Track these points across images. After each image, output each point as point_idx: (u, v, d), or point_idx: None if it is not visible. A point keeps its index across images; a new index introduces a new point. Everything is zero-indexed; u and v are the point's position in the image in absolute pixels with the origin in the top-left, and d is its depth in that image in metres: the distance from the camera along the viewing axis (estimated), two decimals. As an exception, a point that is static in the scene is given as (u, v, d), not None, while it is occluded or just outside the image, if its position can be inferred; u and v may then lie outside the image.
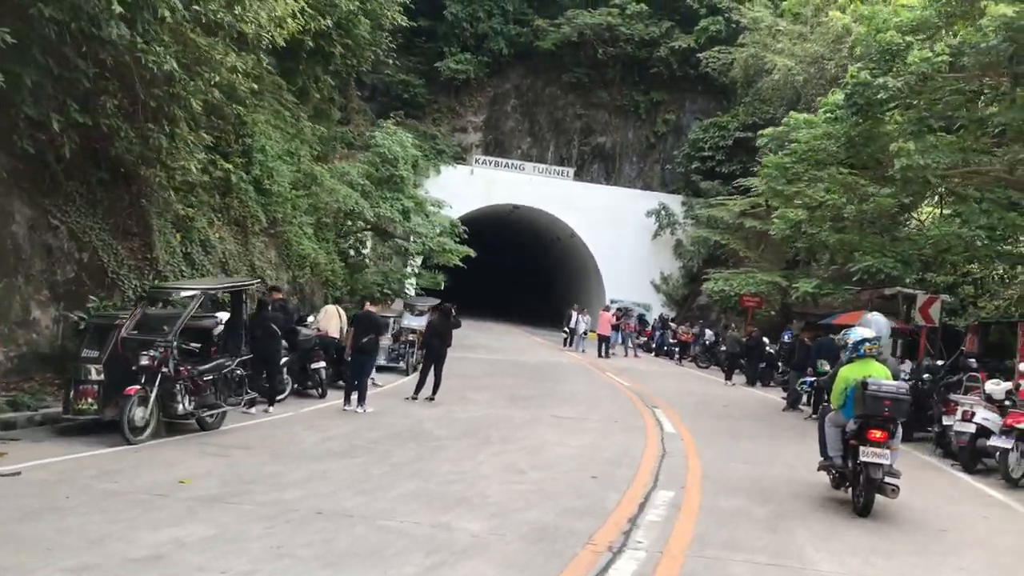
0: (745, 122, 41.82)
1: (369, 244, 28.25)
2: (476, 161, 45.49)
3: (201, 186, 18.26)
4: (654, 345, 34.80)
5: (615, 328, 31.61)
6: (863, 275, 22.10)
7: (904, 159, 14.04)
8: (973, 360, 15.62)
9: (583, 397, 18.55)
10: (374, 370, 17.97)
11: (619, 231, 44.21)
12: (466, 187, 44.09)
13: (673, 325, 34.88)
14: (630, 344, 32.22)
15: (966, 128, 15.28)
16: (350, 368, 14.65)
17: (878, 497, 8.79)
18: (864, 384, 8.60)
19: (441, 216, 28.81)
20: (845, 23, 29.87)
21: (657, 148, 48.51)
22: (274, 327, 13.52)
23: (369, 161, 27.03)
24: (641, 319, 39.52)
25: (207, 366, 11.47)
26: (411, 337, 20.72)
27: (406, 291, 32.42)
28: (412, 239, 27.11)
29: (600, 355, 30.35)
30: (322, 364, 16.28)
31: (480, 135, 48.60)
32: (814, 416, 17.07)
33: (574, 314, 32.45)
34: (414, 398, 15.94)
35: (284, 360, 14.76)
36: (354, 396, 14.29)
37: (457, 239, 30.77)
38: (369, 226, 26.86)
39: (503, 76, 49.35)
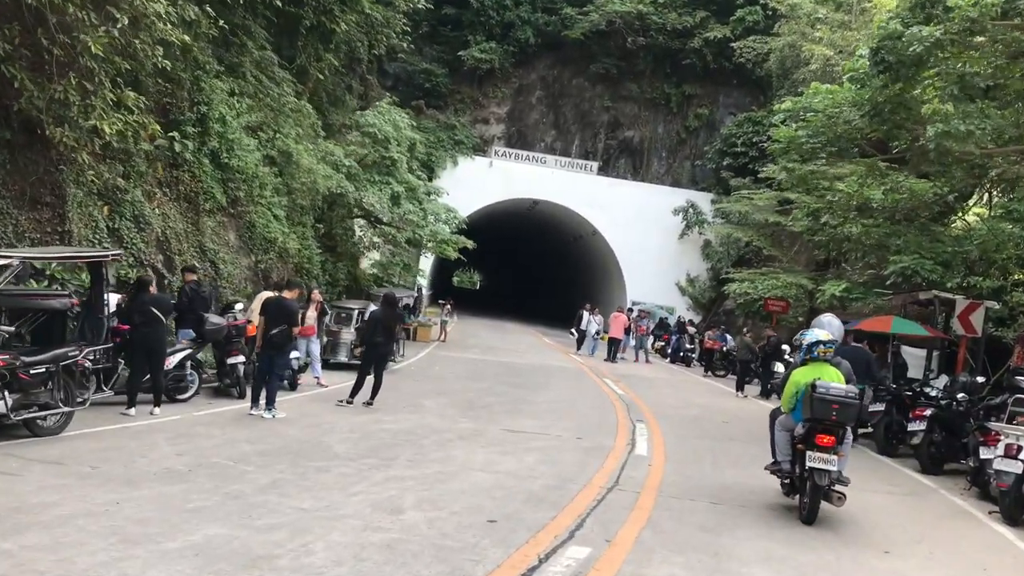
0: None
1: (359, 231, 25.76)
2: (495, 153, 42.89)
3: (141, 155, 16.00)
4: (670, 350, 31.81)
5: (627, 331, 28.76)
6: (897, 278, 19.12)
7: (941, 125, 11.15)
8: (1022, 378, 12.59)
9: (558, 406, 15.84)
10: (320, 367, 15.58)
11: (644, 229, 41.34)
12: (484, 180, 41.60)
13: (691, 329, 31.87)
14: (643, 348, 29.28)
15: (1021, 95, 12.17)
16: (259, 365, 12.13)
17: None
18: (812, 387, 8.23)
19: (436, 204, 26.23)
20: (891, 8, 26.71)
21: (688, 144, 45.47)
22: (156, 312, 11.02)
23: (357, 142, 24.57)
24: (663, 323, 36.52)
25: (37, 357, 9.00)
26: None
27: (411, 285, 29.98)
28: (400, 228, 24.55)
29: (608, 359, 27.55)
30: (240, 359, 13.85)
31: (503, 127, 46.00)
32: None
33: (585, 314, 29.64)
34: (348, 402, 13.41)
35: (185, 353, 12.29)
36: (263, 398, 11.75)
37: (455, 229, 28.19)
38: (358, 212, 24.40)
39: (529, 66, 46.70)
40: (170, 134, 16.59)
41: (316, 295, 15.87)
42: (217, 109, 18.34)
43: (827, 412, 8.19)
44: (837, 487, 8.36)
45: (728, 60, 42.52)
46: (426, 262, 40.87)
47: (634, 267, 41.35)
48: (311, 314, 15.62)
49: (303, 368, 15.19)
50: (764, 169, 30.86)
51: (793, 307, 28.31)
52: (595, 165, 43.75)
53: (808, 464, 8.23)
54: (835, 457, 8.21)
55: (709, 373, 27.25)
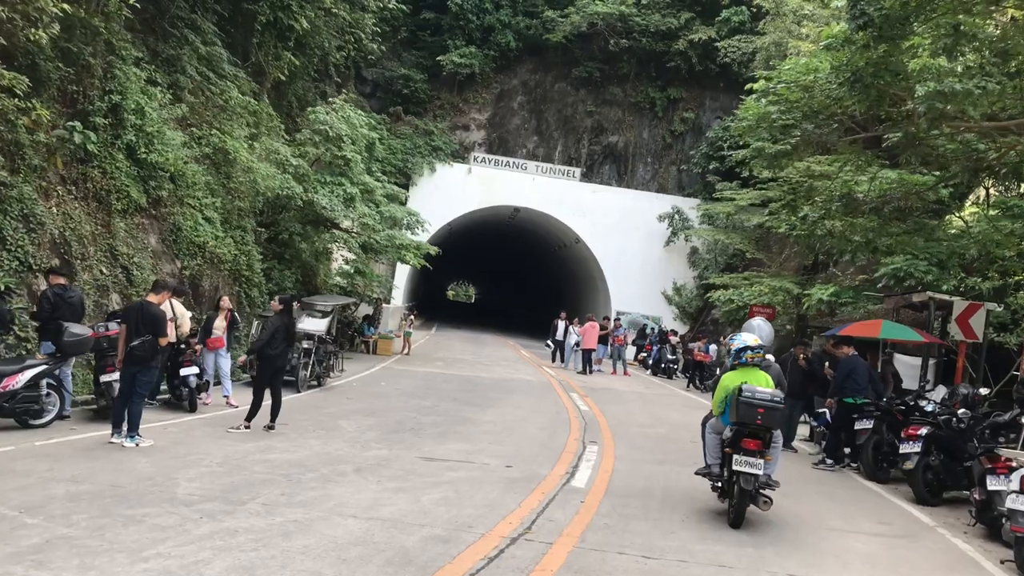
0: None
1: (315, 239, 23.70)
2: (475, 159, 40.86)
3: (36, 147, 14.03)
4: (651, 361, 29.64)
5: (602, 341, 26.61)
6: (889, 280, 17.08)
7: (932, 84, 9.09)
8: (1032, 390, 10.49)
9: (502, 427, 13.70)
10: (230, 385, 13.49)
11: (629, 237, 39.34)
12: (463, 187, 39.66)
13: (674, 339, 29.69)
14: (620, 360, 27.11)
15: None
16: (120, 384, 10.01)
17: None
18: (739, 390, 8.17)
19: (396, 208, 24.13)
20: None
21: (674, 149, 43.41)
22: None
23: (309, 141, 22.53)
24: (643, 332, 34.42)
25: None
26: (305, 345, 16.03)
27: (375, 295, 27.89)
28: (354, 232, 22.43)
29: (582, 371, 25.40)
30: (194, 371, 11.95)
31: (484, 133, 43.99)
32: (827, 462, 12.24)
33: (560, 324, 27.49)
34: (245, 427, 11.26)
35: (38, 370, 10.18)
36: (127, 423, 9.65)
37: (418, 236, 26.13)
38: (309, 215, 22.33)
39: (510, 71, 44.77)
40: (68, 124, 14.53)
41: (225, 302, 13.78)
42: (133, 99, 16.31)
43: (752, 416, 8.06)
44: (765, 491, 8.25)
45: (713, 62, 40.60)
46: (402, 272, 38.89)
47: (619, 276, 39.29)
48: (220, 324, 13.54)
49: (204, 386, 13.07)
50: (745, 167, 28.91)
51: (780, 314, 26.16)
52: (578, 171, 41.69)
53: (734, 467, 8.08)
54: (761, 461, 8.07)
55: (691, 386, 25.10)
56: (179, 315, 13.03)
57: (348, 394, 16.14)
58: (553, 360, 27.82)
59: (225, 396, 13.50)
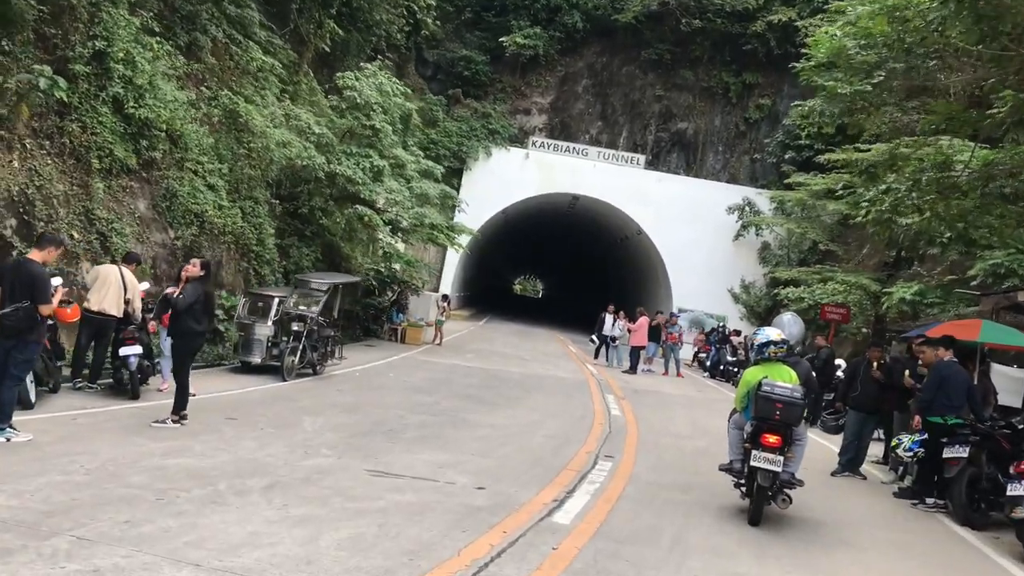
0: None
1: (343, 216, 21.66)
2: (533, 144, 38.43)
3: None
4: (708, 363, 26.76)
5: (654, 338, 23.92)
6: (987, 277, 14.17)
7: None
8: None
9: (505, 433, 11.30)
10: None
11: (694, 229, 36.42)
12: (519, 173, 37.33)
13: (736, 339, 26.73)
14: (674, 359, 24.35)
15: None
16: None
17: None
18: (758, 385, 7.79)
19: (428, 184, 21.87)
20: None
21: (748, 137, 40.24)
22: None
23: (334, 107, 20.47)
24: (712, 332, 31.39)
25: None
26: (295, 327, 13.88)
27: (412, 281, 25.79)
28: (380, 208, 20.24)
29: (628, 371, 22.77)
30: (136, 350, 9.93)
31: (545, 117, 41.55)
32: (927, 501, 9.56)
33: (608, 318, 24.86)
34: (173, 420, 9.13)
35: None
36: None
37: (450, 215, 23.88)
38: (331, 189, 20.28)
39: (575, 53, 42.21)
40: (35, 67, 12.64)
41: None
42: (121, 47, 14.40)
43: (771, 411, 7.74)
44: (786, 490, 7.93)
45: (793, 44, 37.07)
46: (451, 260, 36.82)
47: (682, 270, 36.42)
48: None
49: (149, 370, 11.01)
50: (829, 152, 25.79)
51: (855, 315, 23.07)
52: (642, 158, 38.91)
53: (752, 463, 7.79)
54: (780, 458, 7.72)
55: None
56: (129, 286, 11.01)
57: (341, 385, 13.95)
58: (596, 356, 25.24)
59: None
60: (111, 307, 10.76)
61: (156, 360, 11.50)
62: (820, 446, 13.97)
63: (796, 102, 37.03)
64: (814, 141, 34.44)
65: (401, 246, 28.66)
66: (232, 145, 17.91)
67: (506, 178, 37.09)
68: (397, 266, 25.78)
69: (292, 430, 9.61)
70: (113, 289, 10.87)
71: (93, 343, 10.95)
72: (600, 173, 37.60)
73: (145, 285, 11.89)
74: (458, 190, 37.12)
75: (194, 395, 11.12)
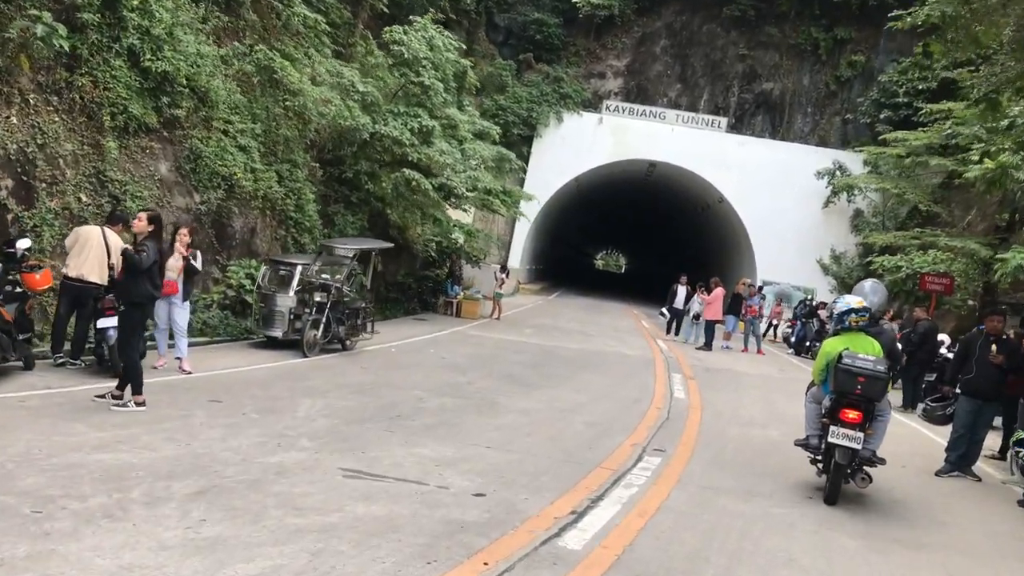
0: (957, 58, 30.09)
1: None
2: (607, 108, 36.26)
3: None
4: (793, 339, 24.38)
5: (733, 312, 21.78)
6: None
7: None
8: None
9: (536, 419, 9.60)
10: (185, 346, 10.12)
11: (780, 196, 33.78)
12: (592, 139, 35.30)
13: (824, 314, 24.22)
14: (753, 335, 22.14)
15: None
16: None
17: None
18: (839, 357, 7.23)
19: (481, 146, 20.12)
20: None
21: (839, 97, 37.16)
22: None
23: (378, 64, 18.94)
24: (798, 306, 28.79)
25: None
26: (318, 298, 12.44)
27: (477, 251, 24.24)
28: (432, 172, 18.62)
29: (702, 347, 20.72)
30: (115, 322, 8.73)
31: (620, 81, 39.28)
32: None
33: (680, 289, 22.76)
34: (140, 403, 7.75)
35: None
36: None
37: (508, 179, 22.12)
38: (382, 153, 18.81)
39: (653, 13, 39.76)
40: (31, 13, 11.43)
41: (183, 235, 10.28)
42: (137, -7, 13.18)
43: (852, 385, 7.14)
44: (866, 468, 7.31)
45: (892, -6, 33.95)
46: (520, 231, 35.17)
47: (767, 240, 33.85)
48: (174, 263, 10.07)
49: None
50: (926, 109, 22.99)
51: (959, 287, 20.44)
52: (724, 121, 36.29)
53: (830, 439, 7.24)
54: (860, 434, 7.11)
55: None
56: (113, 249, 9.69)
57: (368, 362, 12.46)
58: (667, 332, 23.20)
59: (178, 358, 10.10)
60: (91, 273, 9.49)
61: (149, 333, 10.23)
62: (923, 439, 11.81)
63: (894, 57, 34.12)
64: (913, 98, 31.62)
65: (465, 215, 27.18)
66: (268, 104, 16.60)
67: (578, 145, 35.13)
68: (458, 236, 24.28)
69: (279, 416, 8.13)
70: (95, 253, 9.58)
71: (75, 315, 9.72)
72: (678, 138, 35.24)
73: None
74: (528, 158, 35.39)
75: (190, 373, 9.87)
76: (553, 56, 39.02)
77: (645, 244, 64.59)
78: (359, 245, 14.14)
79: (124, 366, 7.78)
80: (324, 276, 12.79)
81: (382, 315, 19.66)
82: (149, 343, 10.44)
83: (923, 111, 23.51)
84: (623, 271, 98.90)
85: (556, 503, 6.23)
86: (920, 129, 24.38)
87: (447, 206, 21.90)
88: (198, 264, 10.34)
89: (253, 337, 13.48)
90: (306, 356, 12.07)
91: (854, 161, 32.66)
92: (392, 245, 16.31)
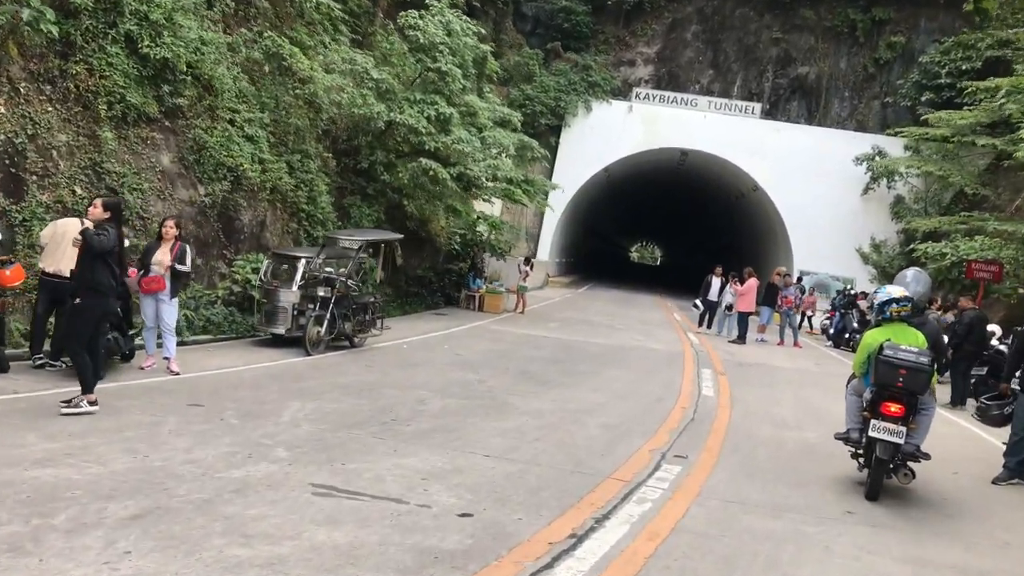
0: (1001, 38, 28.69)
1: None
2: (636, 96, 35.20)
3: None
4: (832, 331, 23.20)
5: (768, 303, 20.71)
6: None
7: None
8: None
9: (548, 422, 8.76)
10: (174, 345, 9.45)
11: (817, 184, 32.48)
12: (621, 127, 34.28)
13: (863, 304, 23.04)
14: (790, 327, 21.04)
15: None
16: None
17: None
18: (880, 348, 6.93)
19: (501, 133, 19.25)
20: None
21: (878, 80, 35.68)
22: None
23: (393, 50, 18.17)
24: (836, 296, 27.52)
25: None
26: (321, 293, 11.71)
27: (502, 243, 23.42)
28: (450, 161, 17.80)
29: (736, 340, 19.69)
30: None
31: (651, 68, 38.16)
32: None
33: (714, 280, 21.73)
34: (92, 403, 7.07)
35: None
36: None
37: (530, 167, 21.23)
38: (400, 142, 18.08)
39: (684, -2, 38.48)
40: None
41: (170, 227, 9.57)
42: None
43: (893, 377, 6.81)
44: (910, 463, 7.02)
45: (932, -29, 32.56)
46: (549, 223, 34.27)
47: (803, 229, 32.59)
48: (161, 257, 9.40)
49: (113, 343, 8.99)
50: (971, 88, 21.65)
51: (1008, 275, 19.17)
52: (758, 107, 35.05)
53: (870, 433, 6.93)
54: (903, 429, 6.82)
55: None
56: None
57: (374, 360, 11.70)
58: (700, 324, 22.17)
59: (166, 358, 9.41)
60: (69, 268, 8.81)
61: (134, 332, 9.57)
62: (976, 440, 10.75)
63: (935, 38, 32.61)
64: (956, 79, 30.14)
65: (490, 207, 26.35)
66: (277, 93, 15.92)
67: (607, 134, 34.14)
68: (483, 228, 23.45)
69: (260, 421, 7.38)
70: (68, 245, 8.90)
71: (55, 313, 9.07)
72: (711, 125, 34.07)
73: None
74: (556, 148, 34.49)
75: (178, 374, 9.18)
76: (582, 44, 38.04)
77: (679, 235, 63.31)
78: (365, 237, 13.37)
79: (73, 361, 7.09)
80: (328, 270, 12.04)
81: (402, 310, 18.97)
82: (137, 342, 9.84)
83: (968, 89, 22.15)
84: (658, 263, 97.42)
85: (554, 524, 5.38)
86: (966, 108, 23.01)
87: (471, 198, 21.09)
88: (188, 260, 9.62)
89: (259, 335, 12.81)
90: (309, 354, 11.35)
91: (894, 146, 31.25)
92: (401, 237, 15.53)
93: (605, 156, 34.11)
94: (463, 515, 5.36)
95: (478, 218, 23.17)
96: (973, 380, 14.12)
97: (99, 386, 8.26)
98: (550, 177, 33.91)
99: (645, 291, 39.96)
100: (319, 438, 6.98)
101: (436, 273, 20.92)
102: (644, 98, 35.23)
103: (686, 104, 34.94)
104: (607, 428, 8.66)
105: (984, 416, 9.21)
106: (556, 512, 5.63)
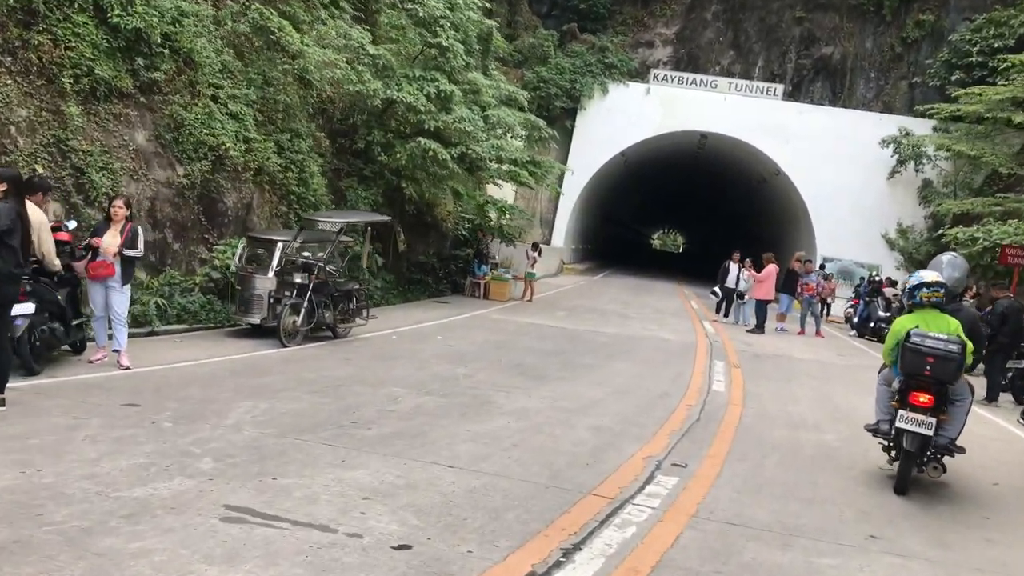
0: None
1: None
2: (654, 78, 33.92)
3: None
4: (856, 320, 21.94)
5: (787, 290, 19.52)
6: None
7: None
8: None
9: (534, 423, 7.72)
10: (124, 336, 8.56)
11: (842, 168, 31.13)
12: (639, 110, 33.05)
13: (890, 291, 21.78)
14: (812, 315, 19.82)
15: None
16: None
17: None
18: (907, 335, 6.51)
19: (506, 112, 18.10)
20: None
21: (905, 60, 34.06)
22: None
23: (394, 25, 17.14)
24: (861, 283, 26.17)
25: None
26: (298, 279, 10.76)
27: (512, 229, 22.39)
28: (452, 141, 16.77)
29: (754, 329, 18.54)
30: (25, 309, 7.24)
31: (670, 50, 36.81)
32: None
33: (732, 267, 20.55)
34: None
35: None
36: None
37: (537, 148, 20.13)
38: (402, 123, 17.08)
39: (704, -23, 37.03)
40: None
41: (119, 207, 8.61)
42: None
43: (920, 366, 6.42)
44: (944, 457, 6.62)
45: (964, -54, 30.92)
46: (564, 208, 33.16)
47: (827, 215, 31.24)
48: (110, 239, 8.47)
49: (50, 334, 8.06)
50: (1007, 62, 20.26)
51: (1048, 258, 17.83)
52: (779, 88, 33.64)
53: (898, 424, 6.54)
54: (933, 420, 6.40)
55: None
56: (34, 224, 8.06)
57: (354, 353, 10.72)
58: (717, 312, 21.02)
59: (116, 351, 8.49)
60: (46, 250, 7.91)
61: (81, 320, 8.67)
62: (1020, 444, 9.59)
63: (966, 16, 31.00)
64: (988, 57, 28.61)
65: (500, 191, 25.31)
66: (265, 68, 14.94)
67: (624, 117, 32.91)
68: (492, 213, 22.41)
69: (197, 425, 6.43)
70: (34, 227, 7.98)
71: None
72: (731, 107, 32.73)
73: (72, 224, 9.02)
74: (572, 131, 33.34)
75: (128, 368, 8.26)
76: (598, 26, 36.77)
77: (700, 221, 61.84)
78: (345, 218, 12.34)
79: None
80: (306, 254, 11.07)
81: (403, 298, 18.05)
82: (90, 333, 8.95)
83: (1003, 65, 20.74)
84: (680, 251, 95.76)
85: (511, 558, 4.38)
86: (1000, 84, 21.59)
87: (480, 181, 20.04)
88: (140, 243, 8.68)
89: (238, 325, 11.88)
90: (285, 346, 10.42)
91: (922, 127, 29.77)
92: (389, 219, 14.52)
93: (622, 140, 32.91)
94: (400, 547, 4.36)
95: (486, 202, 22.11)
96: (1010, 374, 12.92)
97: (32, 382, 7.41)
98: (565, 161, 32.80)
99: (664, 279, 38.77)
100: (258, 446, 6.02)
101: (440, 259, 19.94)
102: (662, 80, 33.94)
103: (705, 86, 33.61)
104: (598, 431, 7.62)
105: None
106: (517, 541, 4.62)
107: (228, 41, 14.48)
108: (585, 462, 6.50)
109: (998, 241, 18.61)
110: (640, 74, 34.87)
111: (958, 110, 23.74)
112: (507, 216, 22.32)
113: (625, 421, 8.16)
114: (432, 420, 7.33)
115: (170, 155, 12.81)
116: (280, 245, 10.95)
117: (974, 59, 29.46)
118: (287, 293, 10.74)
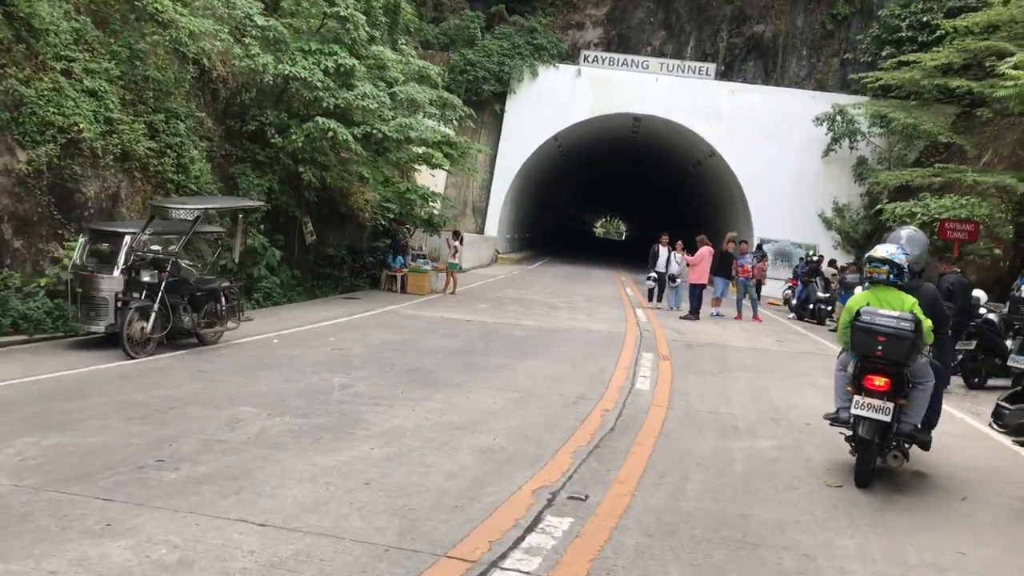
0: None
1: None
2: (585, 59, 32.49)
3: None
4: (795, 302, 20.80)
5: (722, 273, 18.22)
6: None
7: None
8: None
9: (396, 453, 6.13)
10: None
11: (776, 148, 30.13)
12: (570, 93, 31.60)
13: (829, 271, 20.66)
14: (749, 298, 18.57)
15: None
16: None
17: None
18: (856, 313, 5.99)
19: (415, 88, 16.38)
20: None
21: (836, 37, 33.17)
22: None
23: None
24: (799, 263, 25.05)
25: None
26: (147, 278, 8.99)
27: (436, 217, 20.68)
28: (356, 121, 15.07)
29: (688, 315, 17.22)
30: None
31: (600, 31, 35.34)
32: None
33: (662, 250, 19.19)
34: None
35: None
36: None
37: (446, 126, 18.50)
38: (308, 106, 15.29)
39: (633, -44, 35.63)
40: None
41: None
42: None
43: (871, 346, 5.88)
44: (903, 446, 6.08)
45: (889, -80, 30.05)
46: (497, 196, 31.57)
47: (763, 195, 30.20)
48: None
49: None
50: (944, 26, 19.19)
51: (986, 232, 16.86)
52: (712, 68, 32.46)
53: (852, 410, 6.00)
54: (890, 405, 5.88)
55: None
56: None
57: (213, 363, 8.96)
58: (649, 299, 19.69)
59: None
60: None
61: None
62: (982, 442, 8.27)
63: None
64: (918, 31, 27.83)
65: (438, 180, 23.65)
66: (130, 39, 13.00)
67: (556, 100, 31.41)
68: (415, 200, 20.67)
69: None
70: None
71: None
72: (664, 88, 31.46)
73: None
74: (502, 116, 31.76)
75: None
76: (527, 7, 35.11)
77: (639, 207, 60.86)
78: (205, 204, 10.53)
79: None
80: (156, 248, 9.29)
81: (310, 295, 16.33)
82: None
83: (940, 32, 19.69)
84: (623, 238, 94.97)
85: None
86: (934, 49, 20.57)
87: (404, 169, 18.34)
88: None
89: (89, 334, 10.03)
90: (132, 357, 8.64)
91: (855, 104, 28.78)
92: (262, 205, 12.75)
93: (554, 124, 31.43)
94: None
95: (407, 190, 20.38)
96: (959, 356, 11.73)
97: None
98: (496, 147, 31.20)
99: (603, 266, 37.48)
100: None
101: (354, 252, 18.21)
102: (593, 61, 32.51)
103: (637, 67, 32.27)
104: (485, 454, 6.05)
105: (1008, 425, 6.76)
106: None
107: (83, 7, 12.54)
108: (454, 503, 4.92)
109: (936, 216, 17.55)
110: (571, 56, 33.41)
111: (893, 79, 22.72)
112: (431, 204, 20.63)
113: (522, 438, 6.60)
114: (269, 452, 5.69)
115: (8, 138, 10.89)
116: (128, 239, 9.15)
117: (904, 34, 28.65)
118: (135, 295, 8.95)
